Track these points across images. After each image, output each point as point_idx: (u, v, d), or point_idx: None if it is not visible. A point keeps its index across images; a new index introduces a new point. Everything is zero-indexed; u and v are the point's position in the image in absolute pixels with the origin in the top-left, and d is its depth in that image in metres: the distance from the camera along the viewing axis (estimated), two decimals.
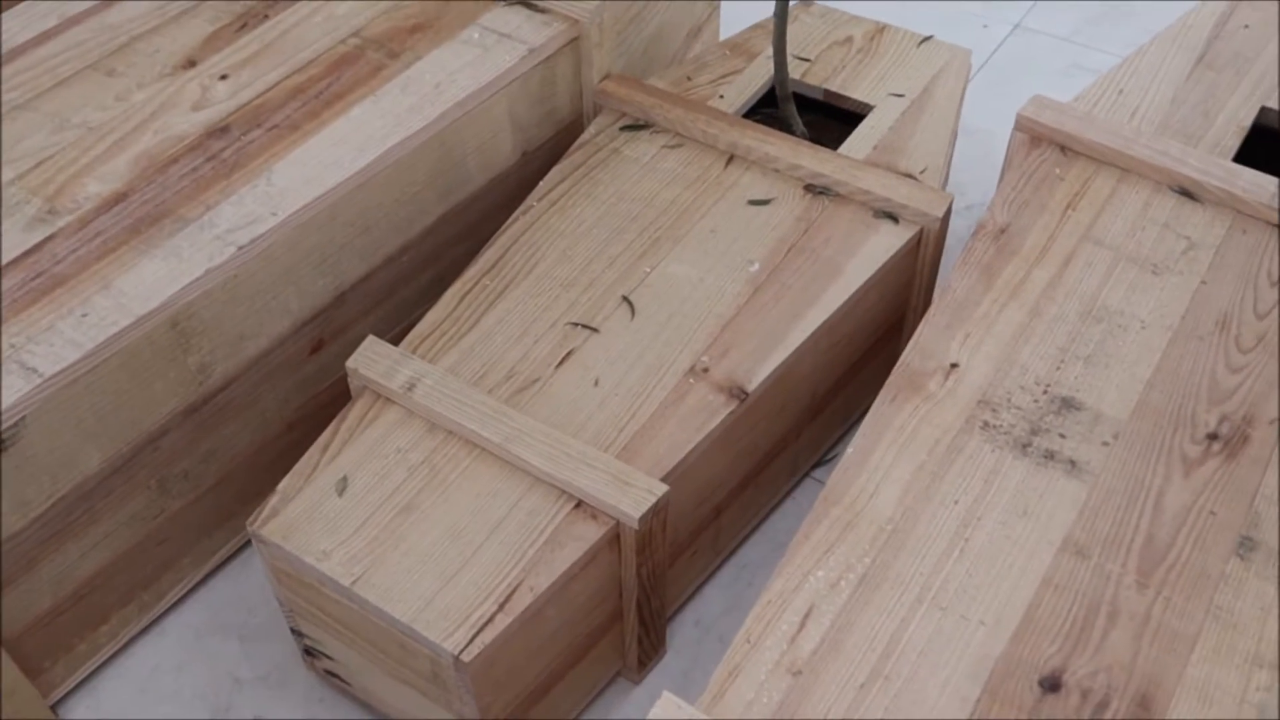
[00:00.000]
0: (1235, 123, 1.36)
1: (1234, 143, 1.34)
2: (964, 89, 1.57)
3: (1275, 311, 1.16)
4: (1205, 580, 0.97)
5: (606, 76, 1.51)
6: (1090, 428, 1.07)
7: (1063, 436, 1.07)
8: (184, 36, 1.43)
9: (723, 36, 1.94)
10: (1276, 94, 1.40)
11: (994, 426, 1.07)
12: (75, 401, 1.10)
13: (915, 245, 1.36)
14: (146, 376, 1.15)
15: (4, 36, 1.43)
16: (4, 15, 1.45)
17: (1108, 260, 1.21)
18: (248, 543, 1.39)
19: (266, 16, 1.45)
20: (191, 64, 1.38)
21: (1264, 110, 1.39)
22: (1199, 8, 1.53)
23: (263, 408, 1.30)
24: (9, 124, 1.31)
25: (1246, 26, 1.49)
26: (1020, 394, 1.10)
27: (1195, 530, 1.00)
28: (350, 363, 1.20)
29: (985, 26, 2.18)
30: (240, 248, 1.18)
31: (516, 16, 1.45)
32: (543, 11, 1.46)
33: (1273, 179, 1.27)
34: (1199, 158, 1.29)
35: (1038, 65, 2.10)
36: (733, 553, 1.40)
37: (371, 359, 1.20)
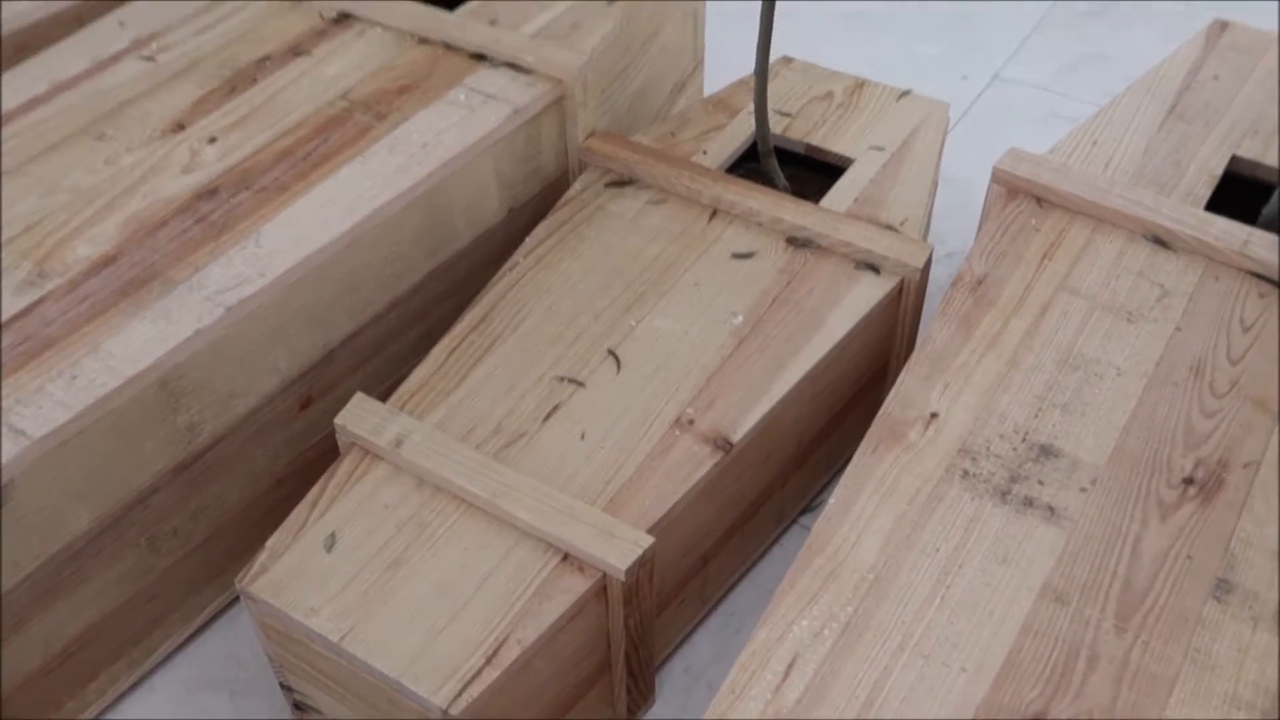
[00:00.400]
0: (1207, 172, 1.39)
1: (1206, 191, 1.37)
2: (943, 141, 1.60)
3: (1248, 356, 1.18)
4: (1183, 623, 0.98)
5: (591, 134, 1.54)
6: (1068, 474, 1.09)
7: (1041, 483, 1.08)
8: (173, 100, 1.45)
9: (707, 91, 1.97)
10: (1246, 143, 1.43)
11: (974, 475, 1.09)
12: (64, 463, 1.11)
13: (897, 295, 1.38)
14: (136, 436, 1.16)
15: None
16: None
17: (1084, 309, 1.23)
18: (237, 598, 1.39)
19: (255, 80, 1.48)
20: (181, 127, 1.41)
21: (1235, 159, 1.41)
22: (1170, 59, 1.56)
23: (252, 464, 1.31)
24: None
25: (1216, 78, 1.52)
26: (999, 442, 1.12)
27: (1172, 574, 1.01)
28: (339, 419, 1.21)
29: (965, 78, 2.22)
30: (229, 309, 1.19)
31: (502, 77, 1.48)
32: (528, 72, 1.49)
33: (1243, 226, 1.30)
34: (1171, 207, 1.32)
35: (1017, 114, 2.13)
36: (721, 600, 1.41)
37: (360, 415, 1.21)
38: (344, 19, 1.58)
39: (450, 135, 1.40)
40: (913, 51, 2.29)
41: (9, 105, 1.45)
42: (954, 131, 2.08)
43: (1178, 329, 1.21)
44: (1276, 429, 1.12)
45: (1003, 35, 2.33)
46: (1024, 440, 1.12)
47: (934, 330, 1.21)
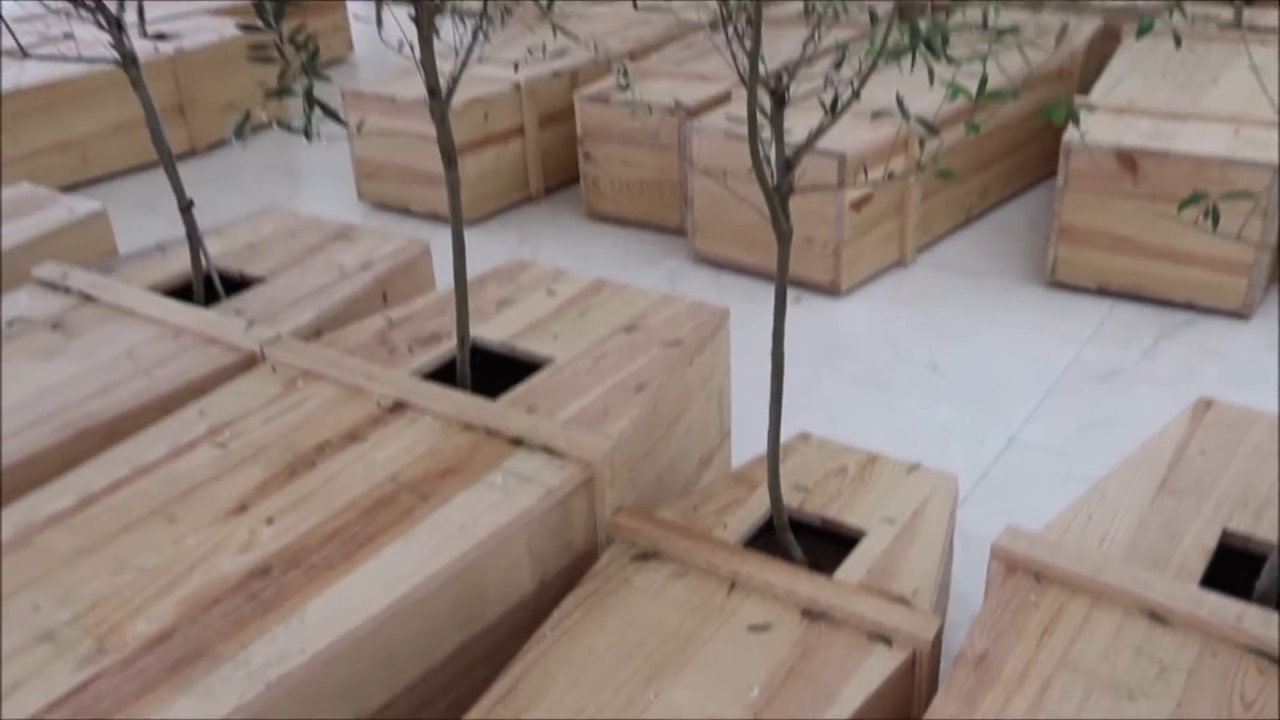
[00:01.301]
0: (1199, 546, 1.46)
1: (1199, 565, 1.43)
2: (953, 511, 1.69)
3: None
4: None
5: (619, 509, 1.66)
6: None
7: None
8: (240, 483, 1.60)
9: (736, 456, 2.10)
10: (1237, 516, 1.51)
11: None
12: None
13: (910, 666, 1.43)
14: None
15: (81, 484, 1.61)
16: (83, 466, 1.64)
17: (1084, 686, 1.27)
18: None
19: (314, 464, 1.63)
20: (243, 509, 1.55)
21: (1226, 533, 1.48)
22: (1158, 435, 1.67)
23: None
24: (76, 568, 1.45)
25: (1203, 453, 1.62)
26: None
27: None
28: None
29: (981, 442, 2.34)
30: (269, 684, 1.27)
31: (536, 460, 1.62)
32: (560, 455, 1.63)
33: (1237, 602, 1.35)
34: (1164, 583, 1.37)
35: (1033, 477, 2.23)
36: None
37: None
38: (399, 407, 1.75)
39: (487, 516, 1.52)
40: (930, 417, 2.42)
41: (97, 486, 1.60)
42: (974, 493, 2.17)
43: (1179, 705, 1.24)
44: None
45: (1016, 401, 2.47)
46: None
47: (937, 708, 1.25)
